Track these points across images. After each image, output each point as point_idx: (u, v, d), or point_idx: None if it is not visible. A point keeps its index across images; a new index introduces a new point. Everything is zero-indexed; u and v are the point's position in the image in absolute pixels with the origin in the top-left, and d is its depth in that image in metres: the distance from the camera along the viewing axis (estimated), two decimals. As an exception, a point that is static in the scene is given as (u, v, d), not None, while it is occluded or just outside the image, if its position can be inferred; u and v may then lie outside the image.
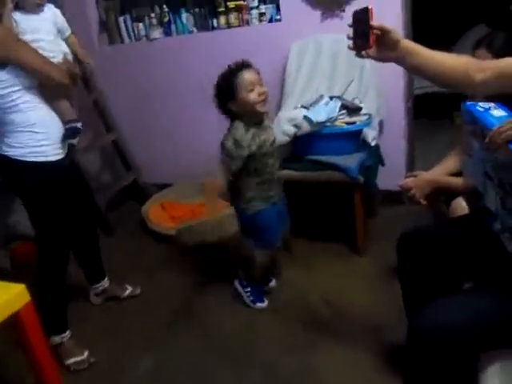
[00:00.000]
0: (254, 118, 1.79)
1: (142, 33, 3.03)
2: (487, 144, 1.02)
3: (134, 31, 3.07)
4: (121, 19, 3.07)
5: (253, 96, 1.72)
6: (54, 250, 1.83)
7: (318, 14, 2.55)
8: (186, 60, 2.96)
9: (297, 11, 2.60)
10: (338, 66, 2.49)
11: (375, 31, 1.08)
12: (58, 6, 1.87)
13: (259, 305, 2.09)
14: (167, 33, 2.98)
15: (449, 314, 1.11)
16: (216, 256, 2.55)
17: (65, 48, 1.82)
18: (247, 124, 1.78)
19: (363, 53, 1.12)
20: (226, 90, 1.74)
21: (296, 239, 2.51)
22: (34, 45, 1.65)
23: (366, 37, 1.08)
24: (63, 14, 1.85)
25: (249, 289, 2.11)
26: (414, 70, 1.19)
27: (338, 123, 2.24)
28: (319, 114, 2.17)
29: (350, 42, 1.14)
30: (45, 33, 1.73)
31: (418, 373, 1.18)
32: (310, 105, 2.27)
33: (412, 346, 1.14)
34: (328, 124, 2.20)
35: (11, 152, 1.66)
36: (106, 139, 3.19)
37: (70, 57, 1.83)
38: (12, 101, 1.60)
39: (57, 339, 1.89)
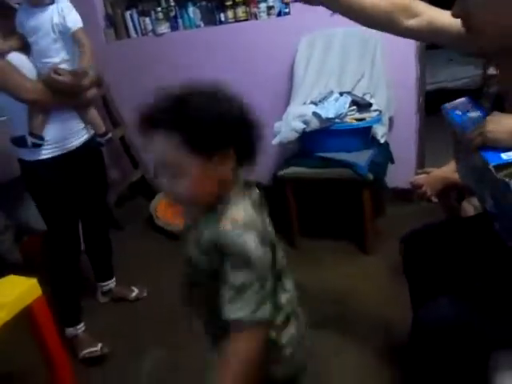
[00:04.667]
0: None
1: (149, 27, 3.00)
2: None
3: (140, 26, 3.04)
4: (127, 14, 3.04)
5: None
6: (64, 243, 1.84)
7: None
8: (193, 54, 2.93)
9: (306, 5, 2.54)
10: (348, 60, 2.44)
11: None
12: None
13: None
14: (174, 27, 2.94)
15: (455, 308, 1.08)
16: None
17: (64, 54, 1.68)
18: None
19: None
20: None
21: (303, 237, 2.48)
22: (31, 49, 1.64)
23: None
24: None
25: None
26: (341, 13, 1.22)
27: (347, 119, 2.20)
28: (329, 110, 2.14)
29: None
30: (42, 34, 1.63)
31: (422, 367, 1.15)
32: (320, 101, 2.23)
33: (416, 338, 1.12)
34: (337, 120, 2.17)
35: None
36: (113, 134, 3.16)
37: (65, 66, 1.68)
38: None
39: (72, 331, 1.92)
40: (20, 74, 1.61)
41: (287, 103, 2.59)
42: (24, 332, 1.40)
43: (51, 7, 1.64)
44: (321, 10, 2.51)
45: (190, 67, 2.98)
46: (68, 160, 1.77)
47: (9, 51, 1.61)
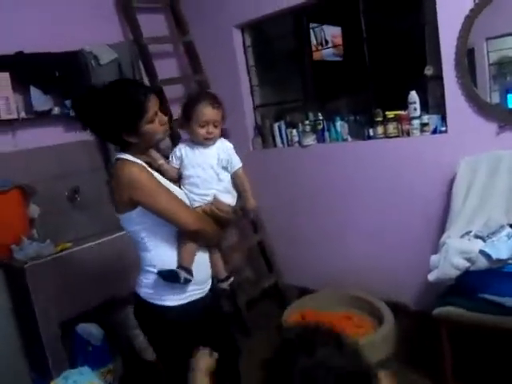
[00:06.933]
0: None
1: (295, 139, 3.08)
2: None
3: (287, 137, 3.14)
4: (275, 125, 3.18)
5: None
6: None
7: (493, 126, 2.28)
8: (338, 167, 2.90)
9: (467, 123, 2.36)
10: (520, 187, 2.15)
11: None
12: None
13: None
14: (320, 140, 2.97)
15: None
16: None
17: (224, 191, 1.68)
18: None
19: None
20: None
21: (459, 385, 2.11)
22: (186, 181, 1.64)
23: None
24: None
25: None
26: None
27: (523, 260, 1.88)
28: (500, 250, 1.85)
29: None
30: (202, 169, 1.66)
31: None
32: (487, 235, 1.96)
33: None
34: (511, 261, 1.86)
35: (137, 290, 1.61)
36: (252, 240, 3.22)
37: (223, 200, 1.67)
38: (141, 238, 1.55)
39: None
40: (183, 201, 1.59)
41: (440, 228, 2.36)
42: None
43: (215, 144, 1.70)
44: (485, 129, 2.33)
45: (333, 180, 2.95)
46: (200, 306, 1.65)
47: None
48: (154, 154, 1.68)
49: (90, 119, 1.51)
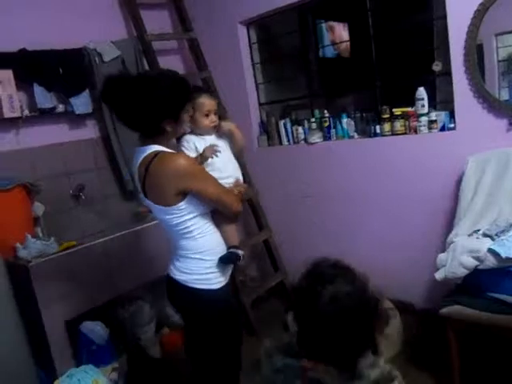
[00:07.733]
0: None
1: (301, 136, 3.04)
2: None
3: (293, 134, 3.10)
4: (281, 123, 3.15)
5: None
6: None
7: (503, 123, 2.24)
8: (344, 165, 2.86)
9: (475, 119, 2.32)
10: (530, 184, 2.11)
11: None
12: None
13: None
14: (326, 137, 2.94)
15: None
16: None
17: (237, 169, 1.81)
18: None
19: None
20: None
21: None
22: (209, 168, 1.68)
23: None
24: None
25: None
26: None
27: (533, 259, 1.84)
28: (510, 249, 1.82)
29: None
30: (219, 153, 1.73)
31: None
32: (496, 234, 1.93)
33: None
34: (521, 260, 1.83)
35: (179, 277, 1.65)
36: (257, 238, 3.19)
37: (241, 179, 1.82)
38: (187, 227, 1.59)
39: None
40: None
41: (447, 226, 2.33)
42: None
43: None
44: (495, 126, 2.29)
45: (339, 178, 2.92)
46: (224, 291, 1.72)
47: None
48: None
49: (135, 100, 1.46)
